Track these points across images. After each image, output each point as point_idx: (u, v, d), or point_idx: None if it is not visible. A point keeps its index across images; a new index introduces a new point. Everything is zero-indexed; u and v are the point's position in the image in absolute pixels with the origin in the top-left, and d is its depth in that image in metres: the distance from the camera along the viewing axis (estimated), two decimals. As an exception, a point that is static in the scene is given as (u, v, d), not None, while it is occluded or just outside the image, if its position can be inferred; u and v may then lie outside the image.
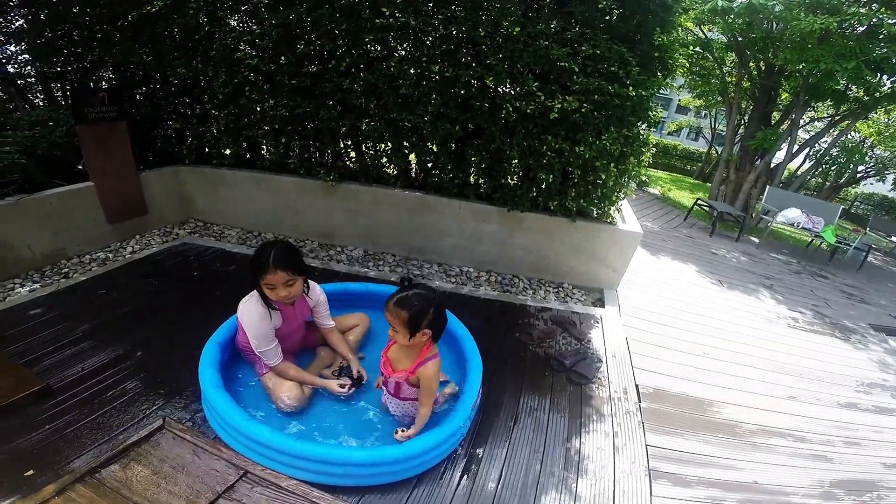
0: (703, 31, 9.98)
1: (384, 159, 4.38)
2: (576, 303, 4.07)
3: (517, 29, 3.34)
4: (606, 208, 4.09)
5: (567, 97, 3.39)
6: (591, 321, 3.75)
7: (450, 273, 4.28)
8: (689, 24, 8.85)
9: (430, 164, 4.27)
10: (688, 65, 10.60)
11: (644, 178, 4.15)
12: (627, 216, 4.44)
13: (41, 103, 5.20)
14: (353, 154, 4.59)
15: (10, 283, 3.49)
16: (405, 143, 4.18)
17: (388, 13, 3.50)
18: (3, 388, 2.35)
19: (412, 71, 3.67)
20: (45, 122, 4.14)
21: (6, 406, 2.26)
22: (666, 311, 4.46)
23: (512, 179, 4.17)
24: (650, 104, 3.70)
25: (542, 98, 3.40)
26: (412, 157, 4.40)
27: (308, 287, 2.44)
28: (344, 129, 4.11)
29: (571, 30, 3.45)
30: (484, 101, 3.60)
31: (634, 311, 4.22)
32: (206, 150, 4.72)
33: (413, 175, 4.53)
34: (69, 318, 3.02)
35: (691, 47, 10.02)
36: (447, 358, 2.65)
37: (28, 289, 3.45)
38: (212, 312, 3.01)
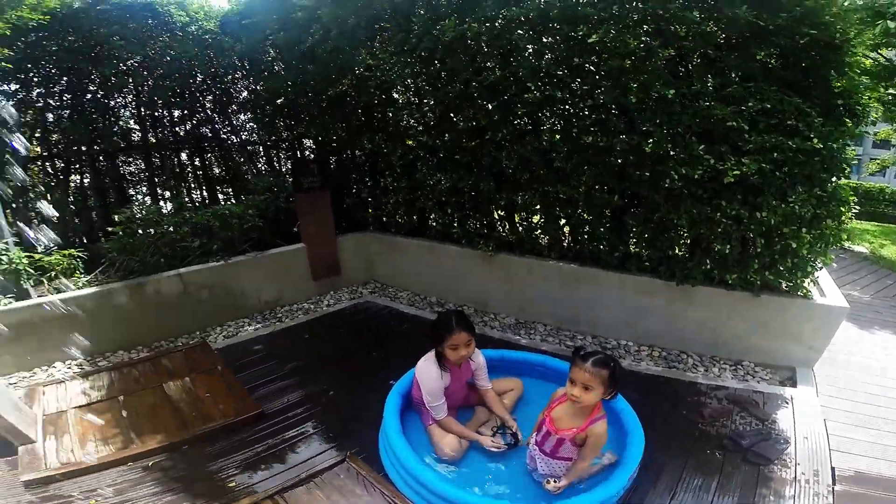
0: (881, 55, 8.31)
1: (538, 231, 4.51)
2: (758, 381, 3.51)
3: (670, 91, 3.20)
4: (799, 280, 3.51)
5: (742, 159, 3.14)
6: (778, 401, 3.20)
7: (606, 346, 4.09)
8: (867, 61, 7.44)
9: (586, 236, 4.19)
10: (881, 108, 8.82)
11: (845, 237, 3.48)
12: (826, 285, 3.74)
13: (264, 168, 6.68)
14: (507, 225, 4.83)
15: (242, 322, 4.55)
16: (559, 214, 4.26)
17: (534, 88, 3.72)
18: (231, 409, 3.01)
19: (564, 143, 3.75)
20: (271, 188, 5.38)
21: (232, 424, 2.88)
22: (877, 389, 3.57)
23: (680, 250, 3.90)
24: (844, 156, 3.20)
25: (711, 161, 3.21)
26: (566, 228, 4.44)
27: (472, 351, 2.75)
28: (501, 201, 4.41)
29: (732, 85, 3.26)
30: (643, 169, 3.51)
31: (835, 390, 3.48)
32: (386, 218, 5.52)
33: (566, 245, 4.55)
34: (280, 356, 3.76)
35: (883, 89, 8.36)
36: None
37: (253, 328, 4.45)
38: (387, 363, 3.58)
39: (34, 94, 5.23)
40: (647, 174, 3.52)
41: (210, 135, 6.53)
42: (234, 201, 5.85)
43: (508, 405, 2.87)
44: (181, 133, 6.40)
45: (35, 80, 5.18)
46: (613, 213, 4.01)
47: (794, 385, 3.41)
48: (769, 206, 3.14)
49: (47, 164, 5.83)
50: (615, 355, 3.85)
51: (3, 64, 3.93)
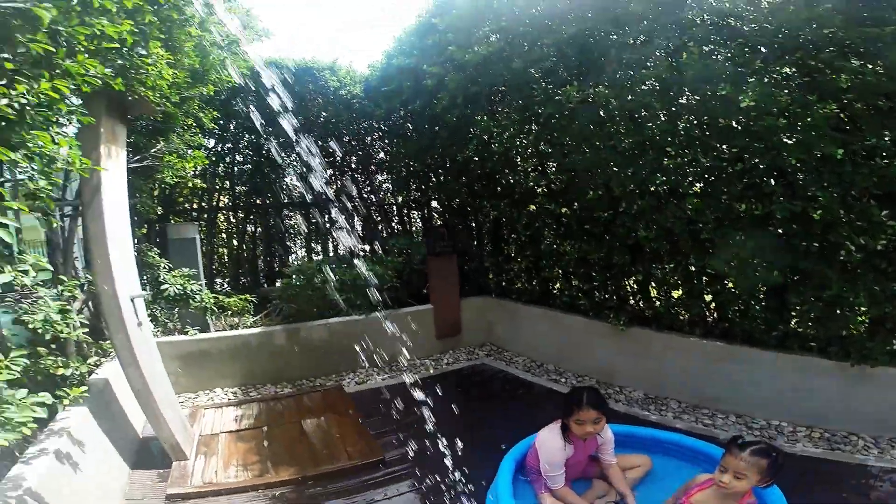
0: None
1: (679, 308, 4.11)
2: None
3: (838, 151, 2.75)
4: None
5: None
6: None
7: (752, 426, 3.50)
8: None
9: (737, 314, 3.74)
10: None
11: None
12: None
13: (397, 227, 7.20)
14: (642, 298, 4.50)
15: (372, 371, 4.87)
16: (705, 289, 3.84)
17: (672, 153, 3.51)
18: (357, 451, 3.17)
19: (711, 211, 3.39)
20: (406, 250, 5.78)
21: (355, 467, 3.01)
22: None
23: (857, 329, 3.26)
24: None
25: (896, 226, 2.68)
26: (712, 304, 3.98)
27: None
28: (636, 274, 4.15)
29: None
30: (810, 240, 3.06)
31: None
32: (507, 284, 5.55)
33: (712, 322, 4.05)
34: (402, 408, 3.87)
35: None
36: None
37: (381, 378, 4.75)
38: (499, 426, 3.51)
39: (225, 148, 6.38)
40: (816, 245, 3.07)
41: (354, 193, 7.32)
42: (370, 252, 6.40)
43: (632, 480, 2.65)
44: (331, 191, 7.27)
45: (225, 135, 6.32)
46: (771, 290, 3.51)
47: None
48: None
49: (230, 213, 7.09)
50: (765, 436, 3.33)
51: (211, 124, 4.92)
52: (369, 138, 7.15)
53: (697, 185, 3.70)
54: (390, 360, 5.00)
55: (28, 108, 1.63)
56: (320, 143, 6.59)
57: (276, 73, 5.24)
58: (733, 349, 3.61)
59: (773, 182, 3.19)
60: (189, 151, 4.17)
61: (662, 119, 3.64)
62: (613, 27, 3.85)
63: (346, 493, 2.79)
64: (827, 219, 2.92)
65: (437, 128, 5.40)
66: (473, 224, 6.00)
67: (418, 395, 4.07)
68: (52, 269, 2.72)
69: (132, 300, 2.69)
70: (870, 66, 2.77)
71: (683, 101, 3.59)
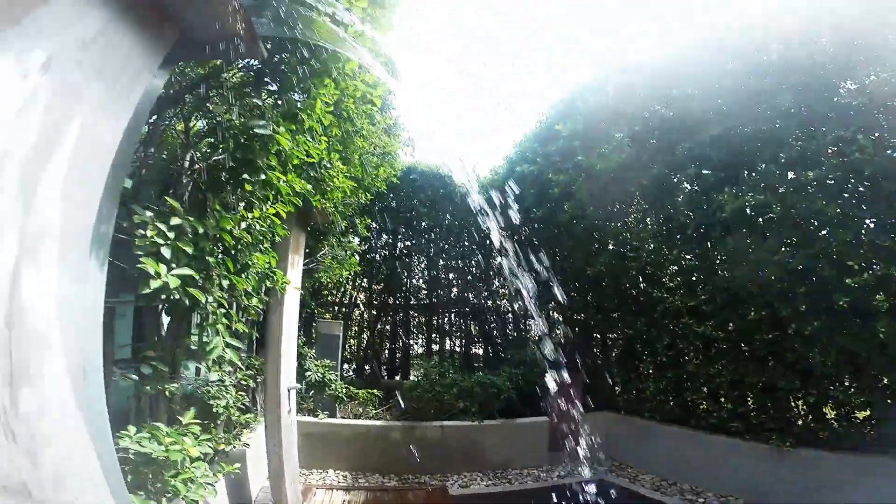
0: None
1: (868, 429, 3.51)
2: None
3: None
4: None
5: None
6: None
7: None
8: None
9: None
10: None
11: None
12: None
13: (512, 333, 7.11)
14: (812, 418, 3.82)
15: (476, 476, 4.65)
16: None
17: (856, 266, 3.01)
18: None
19: None
20: (526, 361, 5.66)
21: None
22: None
23: None
24: None
25: None
26: None
27: None
28: (807, 397, 3.60)
29: None
30: None
31: None
32: (636, 401, 5.06)
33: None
34: None
35: None
36: None
37: (485, 483, 4.50)
38: None
39: (365, 246, 6.96)
40: None
41: (473, 298, 7.54)
42: (488, 357, 6.37)
43: None
44: (452, 294, 7.60)
45: (370, 235, 6.90)
46: None
47: None
48: None
49: (364, 309, 7.71)
50: None
51: (364, 231, 5.56)
52: (488, 243, 7.38)
53: (888, 302, 3.08)
54: (496, 467, 4.81)
55: (257, 230, 2.02)
56: (446, 245, 6.99)
57: (412, 178, 5.88)
58: None
59: None
60: (345, 255, 4.75)
61: (838, 226, 3.16)
62: (765, 123, 3.54)
63: None
64: None
65: (563, 239, 5.35)
66: (600, 338, 5.68)
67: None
68: (241, 366, 3.16)
69: (289, 390, 3.02)
70: None
71: (863, 202, 3.13)
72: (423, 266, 7.75)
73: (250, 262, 1.98)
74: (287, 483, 3.03)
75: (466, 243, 7.40)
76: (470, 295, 7.56)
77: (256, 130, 1.82)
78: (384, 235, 7.36)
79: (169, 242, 1.54)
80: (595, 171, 4.61)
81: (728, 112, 3.77)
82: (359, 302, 7.78)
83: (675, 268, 4.33)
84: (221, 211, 1.81)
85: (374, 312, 7.82)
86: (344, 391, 4.74)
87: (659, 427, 4.72)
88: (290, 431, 3.17)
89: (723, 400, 4.16)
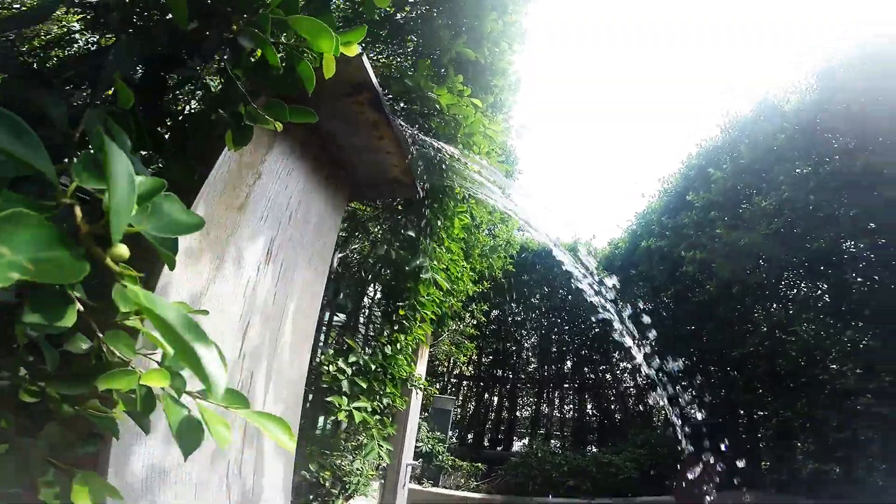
0: None
1: None
2: None
3: None
4: None
5: None
6: None
7: None
8: None
9: None
10: None
11: None
12: None
13: (635, 412, 6.49)
14: None
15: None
16: None
17: None
18: None
19: None
20: (650, 441, 5.16)
21: None
22: None
23: None
24: None
25: None
26: None
27: None
28: None
29: None
30: None
31: None
32: (792, 479, 4.34)
33: None
34: None
35: None
36: None
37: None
38: None
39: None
40: None
41: (591, 376, 7.14)
42: (600, 424, 5.95)
43: None
44: (565, 370, 7.28)
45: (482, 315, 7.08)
46: None
47: None
48: None
49: (472, 382, 7.77)
50: None
51: (481, 317, 5.63)
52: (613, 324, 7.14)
53: None
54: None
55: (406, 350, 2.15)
56: (563, 322, 6.86)
57: (523, 256, 5.80)
58: None
59: None
60: (462, 341, 4.85)
61: None
62: None
63: None
64: None
65: (702, 320, 4.95)
66: (744, 416, 5.10)
67: None
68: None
69: (407, 466, 3.11)
70: None
71: None
72: (533, 340, 7.57)
73: (397, 375, 2.09)
74: None
75: (581, 319, 7.09)
76: (585, 369, 7.16)
77: (422, 276, 2.03)
78: (494, 311, 7.43)
79: (347, 377, 1.71)
80: (738, 244, 4.13)
81: None
82: (467, 374, 7.82)
83: (849, 345, 3.77)
84: (387, 344, 1.99)
85: (482, 384, 7.80)
86: (450, 462, 4.73)
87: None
88: (403, 501, 3.20)
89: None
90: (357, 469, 2.46)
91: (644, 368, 6.46)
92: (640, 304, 6.46)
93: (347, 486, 2.68)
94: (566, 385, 7.44)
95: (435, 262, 2.24)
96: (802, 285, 4.30)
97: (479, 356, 7.82)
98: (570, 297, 6.93)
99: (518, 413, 7.87)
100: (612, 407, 6.99)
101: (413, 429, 3.26)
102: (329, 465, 1.84)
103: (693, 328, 5.11)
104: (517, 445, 7.12)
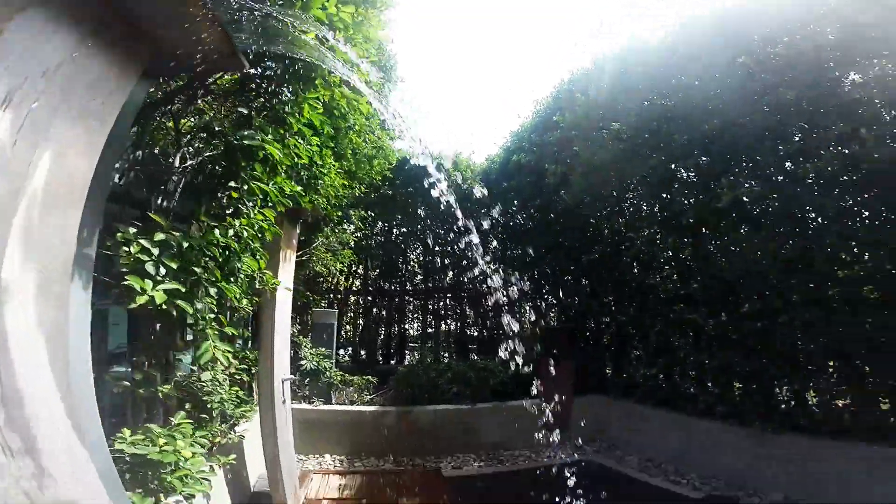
0: None
1: (845, 416, 3.65)
2: None
3: None
4: None
5: None
6: None
7: None
8: None
9: None
10: None
11: None
12: None
13: (507, 320, 7.14)
14: (796, 405, 3.94)
15: (469, 457, 4.83)
16: (883, 399, 3.36)
17: (848, 259, 3.12)
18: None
19: None
20: (523, 345, 5.75)
21: None
22: None
23: None
24: None
25: None
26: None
27: None
28: (792, 384, 3.73)
29: None
30: None
31: None
32: (628, 385, 5.20)
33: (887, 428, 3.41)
34: (498, 497, 3.79)
35: None
36: None
37: (477, 465, 4.68)
38: None
39: (360, 235, 7.01)
40: None
41: (467, 284, 7.59)
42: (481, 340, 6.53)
43: None
44: (448, 280, 7.69)
45: (364, 224, 6.92)
46: None
47: None
48: None
49: (359, 296, 7.86)
50: None
51: (358, 222, 5.65)
52: (487, 230, 7.44)
53: (879, 293, 3.19)
54: (489, 449, 4.97)
55: (245, 236, 2.08)
56: (441, 232, 7.05)
57: (406, 168, 5.84)
58: None
59: None
60: (339, 247, 4.84)
61: (832, 219, 3.20)
62: (766, 115, 3.53)
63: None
64: None
65: (558, 229, 5.43)
66: (593, 323, 5.82)
67: (515, 487, 4.00)
68: (235, 363, 3.23)
69: (283, 382, 3.10)
70: None
71: (859, 195, 3.16)
72: (419, 252, 7.81)
73: (239, 267, 2.04)
74: (283, 470, 3.14)
75: (463, 231, 7.39)
76: (465, 280, 7.63)
77: (245, 142, 1.86)
78: (380, 223, 7.42)
79: (153, 258, 1.58)
80: (592, 161, 4.62)
81: (729, 104, 3.73)
82: (354, 288, 7.90)
83: (671, 255, 4.43)
84: (208, 221, 1.87)
85: (370, 298, 7.94)
86: (339, 378, 4.86)
87: (647, 411, 4.87)
88: (285, 421, 3.26)
89: (710, 385, 4.30)
90: (213, 382, 2.43)
91: (492, 278, 7.09)
92: (497, 215, 6.98)
93: (210, 405, 2.62)
94: (450, 297, 7.82)
95: (280, 147, 2.13)
96: (641, 201, 4.89)
97: (366, 270, 7.93)
98: (451, 209, 7.12)
99: (408, 326, 8.33)
100: (489, 316, 7.57)
101: (283, 341, 3.23)
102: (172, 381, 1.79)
103: (552, 237, 5.64)
104: (409, 360, 7.53)
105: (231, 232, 1.97)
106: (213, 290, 1.87)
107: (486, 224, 7.23)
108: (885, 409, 3.49)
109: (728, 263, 3.78)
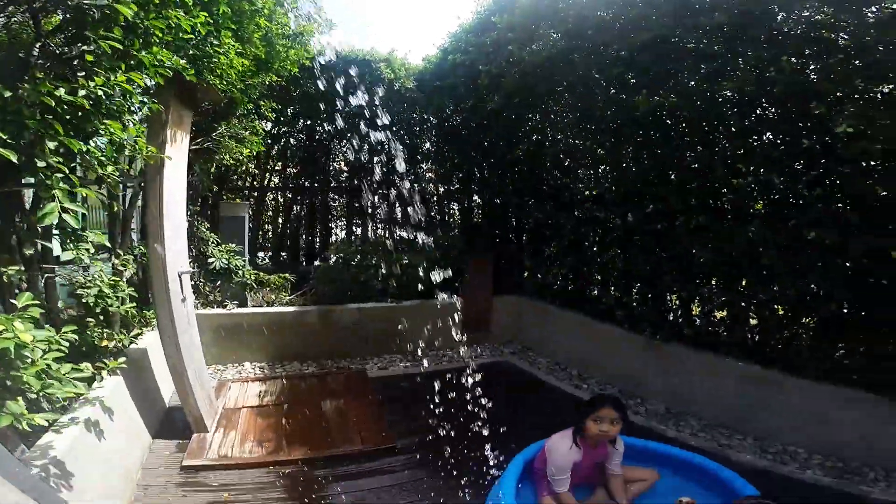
0: None
1: (721, 329, 4.03)
2: None
3: None
4: None
5: None
6: None
7: (768, 449, 3.41)
8: None
9: (781, 341, 3.62)
10: None
11: None
12: None
13: (436, 217, 7.25)
14: (683, 314, 4.33)
15: (395, 358, 4.98)
16: (753, 313, 3.70)
17: (745, 170, 3.28)
18: (370, 437, 3.24)
19: (776, 236, 3.17)
20: (443, 242, 5.80)
21: (366, 452, 3.08)
22: None
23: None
24: None
25: None
26: (757, 328, 3.83)
27: (615, 438, 2.60)
28: (681, 291, 4.00)
29: None
30: (885, 276, 2.84)
31: None
32: (543, 286, 5.48)
33: (751, 345, 3.92)
34: (420, 397, 3.83)
35: None
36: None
37: (403, 365, 4.83)
38: (513, 426, 3.46)
39: (280, 131, 6.66)
40: (885, 283, 2.85)
41: (396, 181, 7.29)
42: (407, 240, 6.53)
43: (633, 493, 2.64)
44: (374, 177, 7.36)
45: (282, 119, 6.57)
46: (826, 320, 3.33)
47: None
48: None
49: (279, 193, 7.49)
50: (778, 461, 3.29)
51: (269, 113, 5.21)
52: (419, 129, 7.18)
53: (766, 207, 3.47)
54: (415, 349, 5.12)
55: (104, 99, 1.78)
56: (371, 131, 6.69)
57: (335, 63, 5.37)
58: (768, 375, 3.48)
59: (852, 212, 2.91)
60: (247, 135, 4.40)
61: (738, 134, 3.37)
62: (693, 36, 3.59)
63: (353, 476, 2.88)
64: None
65: (488, 129, 5.36)
66: (514, 223, 5.94)
67: (438, 386, 4.19)
68: (109, 246, 2.91)
69: (180, 276, 2.80)
70: None
71: (766, 116, 3.32)
72: (344, 151, 7.44)
73: (99, 129, 1.76)
74: (191, 382, 2.96)
75: (396, 129, 7.07)
76: (395, 179, 7.43)
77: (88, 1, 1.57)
78: (302, 119, 6.90)
79: None
80: (523, 62, 4.49)
81: (661, 21, 3.71)
82: (272, 185, 7.44)
83: (588, 156, 4.54)
84: (44, 79, 1.57)
85: (290, 196, 7.57)
86: (253, 278, 4.57)
87: (557, 312, 5.12)
88: (190, 323, 3.03)
89: (612, 289, 4.58)
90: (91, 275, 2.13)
91: (421, 178, 7.01)
92: (430, 116, 6.74)
93: (86, 299, 2.31)
94: (380, 192, 7.60)
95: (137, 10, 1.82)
96: (565, 106, 4.86)
97: (284, 166, 7.49)
98: (385, 109, 6.80)
99: (333, 226, 8.07)
100: (418, 212, 7.55)
101: (175, 228, 2.86)
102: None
103: (482, 137, 5.59)
104: (333, 259, 7.37)
105: (83, 93, 1.67)
106: (52, 144, 1.59)
107: (416, 125, 7.02)
108: (754, 324, 3.82)
109: (639, 167, 3.96)
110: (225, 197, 5.49)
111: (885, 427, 3.05)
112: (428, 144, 7.26)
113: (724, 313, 4.00)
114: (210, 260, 4.34)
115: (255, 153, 5.36)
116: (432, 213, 7.51)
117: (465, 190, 6.59)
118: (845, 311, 3.13)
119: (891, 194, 2.72)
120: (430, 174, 7.51)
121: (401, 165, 7.33)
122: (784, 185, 3.17)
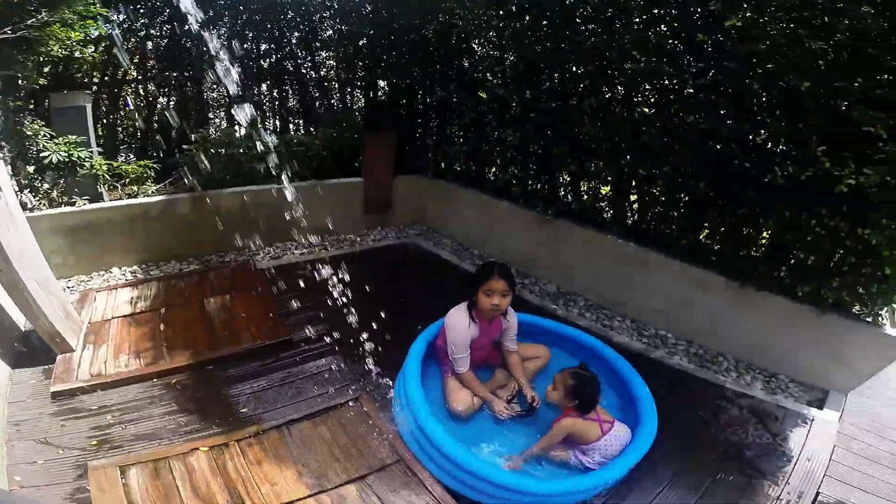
0: None
1: (604, 203, 4.28)
2: (786, 397, 3.28)
3: (806, 84, 2.69)
4: (878, 308, 3.09)
5: (865, 168, 2.61)
6: (798, 419, 3.05)
7: (644, 332, 3.85)
8: None
9: (655, 218, 3.92)
10: None
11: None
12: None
13: (337, 104, 6.63)
14: (572, 191, 4.54)
15: (289, 245, 4.63)
16: (632, 190, 3.92)
17: (639, 57, 3.28)
18: (262, 333, 3.07)
19: (658, 119, 3.40)
20: (342, 123, 5.31)
21: (258, 349, 2.92)
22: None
23: (756, 252, 3.48)
24: None
25: (827, 164, 2.71)
26: (636, 205, 4.12)
27: (507, 311, 2.65)
28: (570, 166, 4.10)
29: (884, 87, 2.64)
30: (744, 160, 3.06)
31: (866, 422, 3.18)
32: (445, 165, 5.33)
33: (630, 223, 4.21)
34: (317, 286, 3.56)
35: None
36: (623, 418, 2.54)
37: (299, 252, 4.52)
38: (418, 308, 3.52)
39: (139, 23, 5.59)
40: (747, 166, 3.08)
41: (291, 69, 6.50)
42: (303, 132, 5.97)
43: (531, 372, 2.81)
44: (265, 66, 6.45)
45: (141, 10, 5.54)
46: (691, 200, 3.64)
47: (820, 407, 3.20)
48: (880, 225, 2.65)
49: (140, 87, 6.57)
50: (652, 345, 3.68)
51: None
52: (317, 15, 6.09)
53: (651, 92, 3.64)
54: (310, 235, 4.75)
55: None
56: (258, 18, 5.58)
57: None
58: (642, 253, 3.79)
59: (727, 102, 3.10)
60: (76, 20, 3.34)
61: (636, 24, 3.39)
62: None
63: (248, 377, 2.75)
64: (767, 145, 2.98)
65: (395, 7, 4.74)
66: (419, 106, 5.56)
67: (336, 271, 3.97)
68: None
69: None
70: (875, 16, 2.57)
71: (665, 11, 3.34)
72: (225, 40, 6.17)
73: None
74: (32, 292, 2.45)
75: (290, 14, 5.95)
76: (288, 64, 6.41)
77: None
78: (168, 9, 5.56)
79: None
80: None
81: None
82: (130, 77, 6.35)
83: (495, 37, 4.33)
84: None
85: (153, 88, 6.56)
86: (105, 168, 3.79)
87: (459, 190, 5.04)
88: (13, 223, 2.43)
89: (510, 166, 4.56)
90: None
91: (319, 54, 6.16)
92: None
93: None
94: (266, 81, 6.80)
95: None
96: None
97: (143, 61, 6.28)
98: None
99: (213, 117, 7.14)
100: (314, 96, 6.73)
101: None
102: None
103: (389, 15, 4.90)
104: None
105: None
106: None
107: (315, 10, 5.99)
108: (634, 200, 4.08)
109: (540, 48, 3.86)
110: (66, 92, 4.28)
111: (732, 314, 3.53)
112: (330, 32, 6.21)
113: (609, 189, 4.22)
114: (44, 154, 3.48)
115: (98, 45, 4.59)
116: (332, 101, 6.72)
117: (371, 75, 5.80)
118: (712, 194, 3.40)
119: (766, 93, 2.95)
120: (331, 61, 6.59)
121: (294, 53, 6.30)
122: (673, 74, 3.25)
